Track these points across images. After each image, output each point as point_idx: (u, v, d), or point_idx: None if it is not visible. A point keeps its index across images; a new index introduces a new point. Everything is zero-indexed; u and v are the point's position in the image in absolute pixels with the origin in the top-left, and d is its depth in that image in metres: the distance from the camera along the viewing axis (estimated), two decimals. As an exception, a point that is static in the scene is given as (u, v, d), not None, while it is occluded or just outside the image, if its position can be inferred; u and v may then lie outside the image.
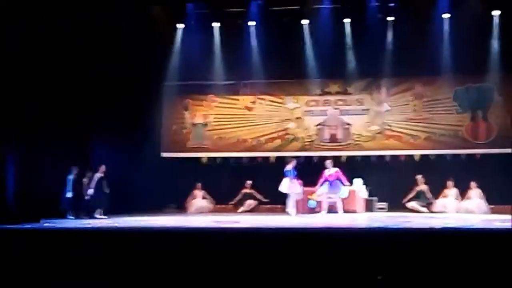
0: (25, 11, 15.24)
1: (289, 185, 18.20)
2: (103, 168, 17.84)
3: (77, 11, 17.14)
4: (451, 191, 18.97)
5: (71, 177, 17.50)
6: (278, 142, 21.31)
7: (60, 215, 16.26)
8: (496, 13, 19.00)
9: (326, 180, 18.45)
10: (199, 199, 20.32)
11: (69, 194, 17.27)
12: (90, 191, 17.57)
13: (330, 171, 18.53)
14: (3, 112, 14.67)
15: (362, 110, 21.00)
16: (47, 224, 14.48)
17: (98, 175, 17.78)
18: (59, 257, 10.96)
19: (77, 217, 17.19)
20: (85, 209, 17.56)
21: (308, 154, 21.05)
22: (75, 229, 13.64)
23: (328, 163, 18.68)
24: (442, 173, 19.38)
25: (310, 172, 19.80)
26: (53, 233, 12.83)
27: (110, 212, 17.76)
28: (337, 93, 21.15)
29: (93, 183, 17.65)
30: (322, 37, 19.68)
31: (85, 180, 17.73)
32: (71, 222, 15.35)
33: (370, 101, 20.97)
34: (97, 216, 17.48)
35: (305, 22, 20.09)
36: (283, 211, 19.02)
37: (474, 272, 9.82)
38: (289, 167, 18.31)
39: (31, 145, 15.62)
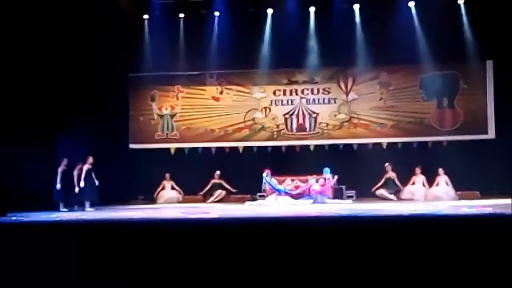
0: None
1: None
2: (90, 159, 17.77)
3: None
4: (419, 178, 19.14)
5: (60, 169, 17.44)
6: (246, 132, 21.29)
7: (25, 209, 15.98)
8: (461, 0, 19.13)
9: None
10: (168, 190, 20.28)
11: (58, 186, 17.27)
12: (82, 183, 17.50)
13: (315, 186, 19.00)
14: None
15: (329, 99, 21.05)
16: (15, 217, 14.35)
17: (86, 166, 17.69)
18: (28, 251, 10.87)
19: (70, 209, 17.20)
20: (76, 201, 17.53)
21: (276, 143, 21.09)
22: (43, 223, 13.55)
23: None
24: (409, 160, 19.55)
25: (278, 161, 19.94)
26: (21, 227, 12.72)
27: (98, 204, 17.84)
28: (304, 82, 21.15)
29: (83, 175, 17.58)
30: (288, 26, 19.62)
31: (75, 172, 17.63)
32: (39, 216, 15.16)
33: (337, 90, 21.01)
34: (87, 208, 17.42)
35: (270, 11, 20.11)
36: (252, 200, 19.15)
37: (443, 259, 9.89)
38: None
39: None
